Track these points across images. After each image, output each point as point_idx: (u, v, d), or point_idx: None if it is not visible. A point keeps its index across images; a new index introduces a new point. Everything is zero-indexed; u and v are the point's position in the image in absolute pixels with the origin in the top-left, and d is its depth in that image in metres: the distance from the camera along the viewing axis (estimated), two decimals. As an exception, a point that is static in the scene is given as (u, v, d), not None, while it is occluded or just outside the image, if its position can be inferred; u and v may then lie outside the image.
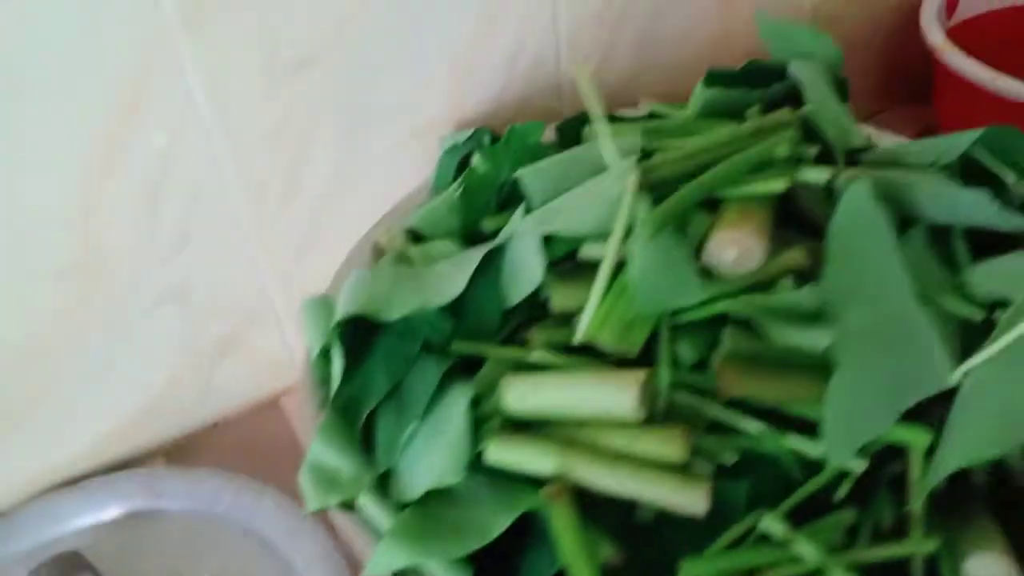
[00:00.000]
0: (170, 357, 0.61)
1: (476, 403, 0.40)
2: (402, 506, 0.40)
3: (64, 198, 0.51)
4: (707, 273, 0.40)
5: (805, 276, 0.40)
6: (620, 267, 0.40)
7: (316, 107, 0.57)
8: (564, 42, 0.65)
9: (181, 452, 0.65)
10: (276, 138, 0.56)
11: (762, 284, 0.39)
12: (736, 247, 0.38)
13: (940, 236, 0.46)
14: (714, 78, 0.53)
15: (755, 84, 0.54)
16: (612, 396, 0.37)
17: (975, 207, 0.44)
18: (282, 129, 0.56)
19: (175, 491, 0.60)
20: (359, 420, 0.43)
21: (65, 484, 0.60)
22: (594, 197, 0.42)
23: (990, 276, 0.42)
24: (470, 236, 0.50)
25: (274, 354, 0.66)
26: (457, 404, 0.39)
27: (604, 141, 0.41)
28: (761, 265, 0.39)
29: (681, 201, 0.38)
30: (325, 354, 0.45)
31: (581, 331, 0.40)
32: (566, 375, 0.39)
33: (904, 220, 0.46)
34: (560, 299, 0.42)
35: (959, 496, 0.39)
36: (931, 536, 0.37)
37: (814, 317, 0.38)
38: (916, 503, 0.38)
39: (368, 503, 0.40)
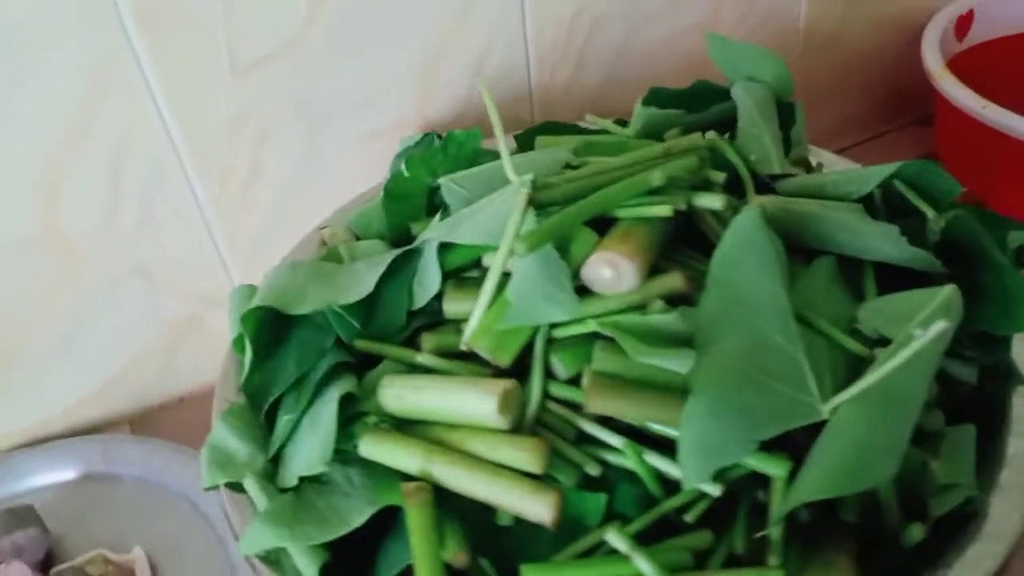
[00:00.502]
0: (135, 332, 0.65)
1: (355, 400, 0.42)
2: (283, 491, 0.42)
3: (27, 175, 0.55)
4: (586, 291, 0.41)
5: (685, 300, 0.41)
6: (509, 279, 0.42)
7: (276, 102, 0.59)
8: (534, 51, 0.66)
9: (146, 422, 0.68)
10: (236, 130, 0.59)
11: (637, 305, 0.40)
12: (611, 267, 0.39)
13: (857, 269, 0.46)
14: (654, 97, 0.54)
15: (699, 105, 0.54)
16: (475, 403, 0.38)
17: (883, 243, 0.44)
18: (242, 122, 0.59)
19: (130, 458, 0.63)
20: (264, 406, 0.46)
21: (33, 444, 0.65)
22: (492, 210, 0.43)
23: (877, 314, 0.42)
24: (400, 238, 0.52)
25: (238, 337, 0.69)
26: (331, 401, 0.41)
27: (504, 157, 0.42)
28: (637, 287, 0.40)
29: (563, 220, 0.40)
30: (241, 343, 0.48)
31: (465, 338, 0.41)
32: (440, 379, 0.40)
33: (816, 251, 0.46)
34: (451, 306, 0.44)
35: (825, 532, 0.40)
36: (780, 568, 0.37)
37: (685, 341, 0.39)
38: (772, 531, 0.38)
39: (252, 485, 0.42)
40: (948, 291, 0.40)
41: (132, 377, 0.67)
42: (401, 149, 0.59)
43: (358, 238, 0.55)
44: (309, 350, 0.47)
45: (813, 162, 0.57)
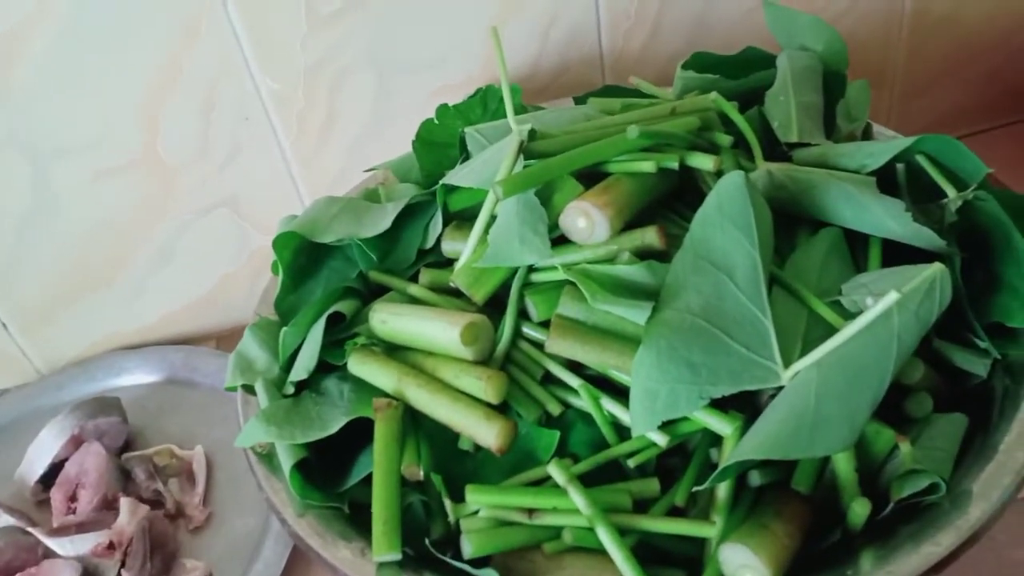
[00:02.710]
0: (224, 257, 0.72)
1: (344, 319, 0.45)
2: (287, 397, 0.46)
3: (131, 108, 0.62)
4: (567, 241, 0.42)
5: (663, 258, 0.41)
6: (501, 223, 0.44)
7: (351, 53, 0.64)
8: (605, 16, 0.67)
9: (229, 340, 0.75)
10: (313, 77, 0.64)
11: (609, 256, 0.41)
12: (585, 217, 0.41)
13: (863, 241, 0.45)
14: (696, 61, 0.54)
15: (743, 71, 0.54)
16: (442, 331, 0.41)
17: (884, 217, 0.42)
18: (319, 71, 0.64)
19: (208, 368, 0.71)
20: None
21: (130, 348, 0.74)
22: (490, 157, 0.45)
23: (861, 287, 0.41)
24: (433, 184, 0.55)
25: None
26: (321, 320, 0.45)
27: (507, 103, 0.44)
28: (608, 238, 0.41)
29: (544, 168, 0.41)
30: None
31: (453, 275, 0.44)
32: (418, 308, 0.43)
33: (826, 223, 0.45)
34: (448, 245, 0.47)
35: (776, 501, 0.39)
36: (712, 523, 0.38)
37: (651, 295, 0.40)
38: (719, 489, 0.39)
39: (260, 388, 0.47)
40: (935, 268, 0.39)
41: (220, 297, 0.74)
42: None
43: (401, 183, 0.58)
44: (337, 279, 0.51)
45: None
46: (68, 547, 0.57)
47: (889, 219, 0.42)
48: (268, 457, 0.45)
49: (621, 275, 0.40)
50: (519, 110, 0.56)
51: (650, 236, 0.41)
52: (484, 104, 0.55)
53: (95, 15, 0.58)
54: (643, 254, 0.41)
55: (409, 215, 0.50)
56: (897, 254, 0.44)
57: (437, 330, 0.41)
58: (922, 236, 0.42)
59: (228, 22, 0.60)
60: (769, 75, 0.53)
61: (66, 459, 0.63)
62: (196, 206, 0.69)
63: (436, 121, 0.54)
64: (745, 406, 0.40)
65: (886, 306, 0.34)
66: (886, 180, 0.45)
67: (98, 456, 0.62)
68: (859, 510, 0.37)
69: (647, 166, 0.41)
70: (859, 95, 0.55)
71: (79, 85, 0.61)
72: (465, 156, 0.51)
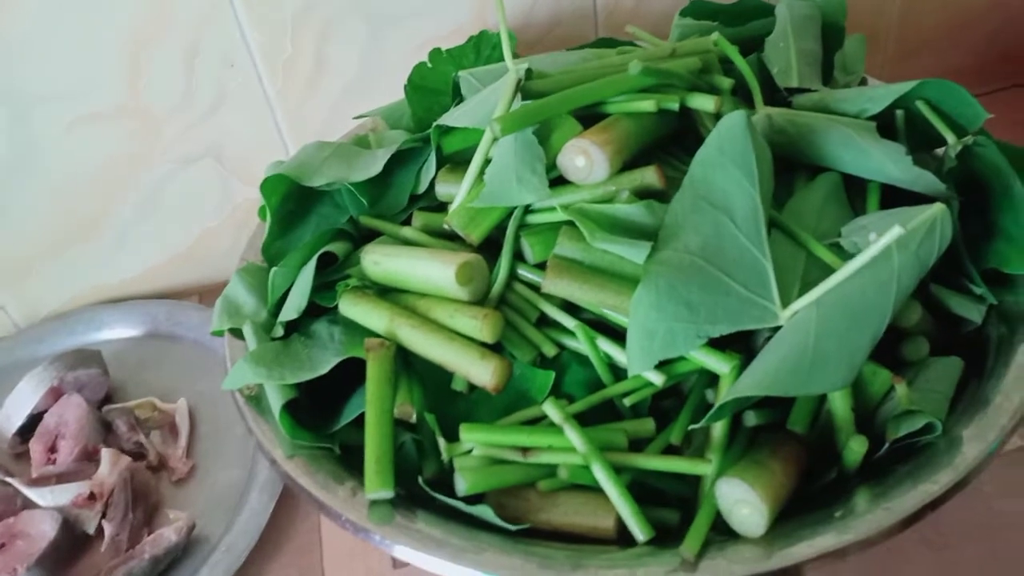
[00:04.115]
0: (208, 210, 0.71)
1: (338, 263, 0.45)
2: (275, 340, 0.46)
3: (114, 51, 0.61)
4: (564, 182, 0.42)
5: (662, 198, 0.41)
6: (496, 163, 0.43)
7: (339, 2, 0.62)
8: (599, -33, 0.66)
9: (212, 294, 0.73)
10: (300, 24, 0.62)
11: (607, 196, 0.40)
12: (583, 156, 0.40)
13: (861, 188, 0.45)
14: (694, 8, 0.53)
15: (740, 20, 0.53)
16: (436, 271, 0.41)
17: (885, 162, 0.42)
18: (306, 17, 0.62)
19: (191, 322, 0.70)
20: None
21: (112, 302, 0.72)
22: (486, 97, 0.44)
23: (861, 229, 0.40)
24: (424, 130, 0.54)
25: (301, 226, 0.74)
26: (312, 261, 0.44)
27: (504, 43, 0.43)
28: (609, 177, 0.40)
29: (542, 106, 0.40)
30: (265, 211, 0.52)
31: (448, 217, 0.43)
32: (411, 249, 0.43)
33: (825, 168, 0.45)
34: (442, 187, 0.46)
35: (772, 442, 0.39)
36: (708, 461, 0.38)
37: (649, 235, 0.39)
38: (702, 424, 0.38)
39: (248, 331, 0.46)
40: (935, 208, 0.38)
41: (203, 251, 0.73)
42: (450, 52, 0.61)
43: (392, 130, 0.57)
44: (326, 224, 0.50)
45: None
46: (48, 497, 0.56)
47: (890, 163, 0.42)
48: (256, 399, 0.44)
49: (620, 215, 0.39)
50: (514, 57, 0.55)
51: (649, 176, 0.40)
52: (477, 50, 0.54)
53: (77, -46, 0.57)
54: (642, 194, 0.41)
55: (400, 160, 0.49)
56: (894, 203, 0.44)
57: (432, 270, 0.41)
58: (922, 180, 0.41)
59: (214, -35, 0.59)
60: (767, 24, 0.52)
61: (45, 411, 0.61)
62: (180, 155, 0.67)
63: (429, 65, 0.53)
64: (741, 347, 0.40)
65: (889, 241, 0.34)
66: (885, 127, 0.44)
67: (78, 407, 0.60)
68: (856, 448, 0.37)
69: (647, 105, 0.41)
70: (856, 49, 0.55)
71: (61, 30, 0.59)
72: (459, 100, 0.51)
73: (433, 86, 0.53)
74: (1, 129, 0.62)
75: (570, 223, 0.41)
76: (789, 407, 0.39)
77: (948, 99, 0.44)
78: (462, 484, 0.38)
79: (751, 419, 0.39)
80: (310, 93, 0.66)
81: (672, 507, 0.39)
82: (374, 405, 0.39)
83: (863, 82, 0.55)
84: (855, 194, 0.44)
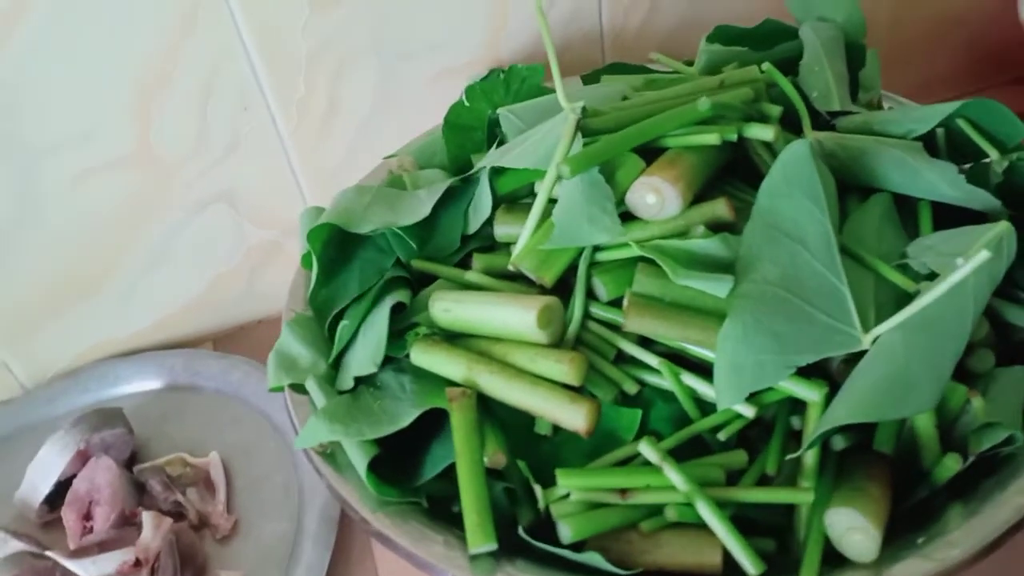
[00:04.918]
0: (221, 255, 0.69)
1: (405, 309, 0.44)
2: (341, 394, 0.45)
3: (124, 98, 0.59)
4: (631, 217, 0.42)
5: (730, 230, 0.41)
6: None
7: (353, 40, 0.62)
8: (606, -7, 0.67)
9: (227, 341, 0.73)
10: (314, 64, 0.62)
11: (680, 231, 0.41)
12: (654, 192, 0.40)
13: (914, 211, 0.46)
14: (720, 34, 0.54)
15: (765, 44, 0.54)
16: (516, 316, 0.40)
17: (938, 181, 0.43)
18: (320, 58, 0.61)
19: (210, 371, 0.68)
20: (328, 318, 0.49)
21: (124, 355, 0.70)
22: (542, 136, 0.44)
23: (927, 249, 0.41)
24: (460, 168, 0.54)
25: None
26: (383, 310, 0.43)
27: (556, 82, 0.43)
28: (680, 212, 0.41)
29: (609, 145, 0.41)
30: (309, 259, 0.51)
31: (512, 258, 0.43)
32: (484, 294, 0.42)
33: (873, 190, 0.46)
34: (501, 229, 0.46)
35: (859, 463, 0.40)
36: (815, 485, 0.38)
37: (725, 268, 0.40)
38: (802, 452, 0.39)
39: (313, 386, 0.45)
40: (1001, 226, 0.39)
41: (216, 297, 0.71)
42: (468, 86, 0.61)
43: (423, 168, 0.57)
44: (371, 269, 0.50)
45: (886, 108, 0.56)
46: (91, 568, 0.53)
47: (942, 182, 0.43)
48: (331, 456, 0.43)
49: (696, 249, 0.40)
50: (539, 91, 0.55)
51: (720, 208, 0.41)
52: (507, 85, 0.54)
53: None
54: (713, 227, 0.41)
55: (443, 201, 0.49)
56: (938, 219, 0.45)
57: (510, 315, 0.40)
58: (976, 197, 0.43)
59: (227, 7, 0.57)
60: (793, 47, 0.53)
61: (71, 477, 0.59)
62: (191, 202, 0.65)
63: (466, 103, 0.53)
64: (817, 374, 0.40)
65: (977, 264, 0.35)
66: (927, 146, 0.46)
67: (109, 470, 0.58)
68: (951, 464, 0.38)
69: (711, 138, 0.41)
70: (871, 65, 0.56)
71: (67, 75, 0.57)
72: (498, 137, 0.50)
73: (467, 123, 0.53)
74: (3, 182, 0.60)
75: (644, 260, 0.41)
76: (871, 429, 0.40)
77: (988, 116, 0.45)
78: (567, 531, 0.37)
79: (839, 443, 0.40)
80: (325, 133, 0.65)
81: (765, 536, 0.39)
82: (465, 456, 0.39)
83: (880, 98, 0.56)
84: (907, 215, 0.45)
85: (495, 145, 0.50)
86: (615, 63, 0.62)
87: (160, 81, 0.59)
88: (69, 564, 0.53)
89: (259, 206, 0.67)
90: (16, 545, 0.56)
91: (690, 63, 0.57)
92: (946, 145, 0.47)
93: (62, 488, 0.59)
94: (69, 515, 0.57)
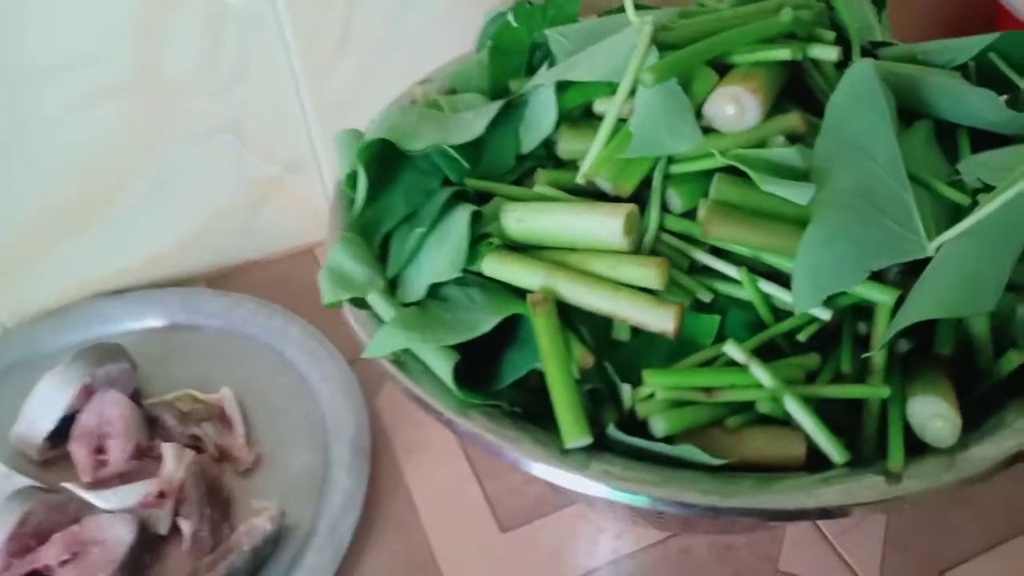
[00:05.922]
0: (220, 190, 0.67)
1: (477, 222, 0.44)
2: (406, 306, 0.44)
3: (129, 19, 0.56)
4: (706, 127, 0.43)
5: (801, 141, 0.43)
6: (625, 121, 0.44)
7: (372, -34, 0.60)
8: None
9: (221, 280, 0.70)
10: (332, -10, 0.60)
11: (757, 142, 0.42)
12: (734, 103, 0.41)
13: (949, 135, 0.48)
14: (752, -30, 0.55)
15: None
16: (600, 223, 0.41)
17: (981, 106, 0.46)
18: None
19: (212, 310, 0.65)
20: (377, 238, 0.48)
21: (114, 293, 0.66)
22: (611, 50, 0.45)
23: (979, 166, 0.44)
24: (499, 94, 0.53)
25: (313, 204, 0.71)
26: (461, 217, 0.43)
27: (627, 2, 0.44)
28: (758, 123, 0.42)
29: (688, 56, 0.41)
30: (352, 180, 0.49)
31: (583, 170, 0.43)
32: (561, 204, 0.42)
33: (913, 115, 0.48)
34: (567, 145, 0.46)
35: (921, 364, 0.42)
36: (884, 383, 0.40)
37: (802, 176, 0.41)
38: (876, 352, 0.40)
39: (377, 300, 0.44)
40: (1048, 145, 0.42)
41: (215, 233, 0.68)
42: (491, 16, 0.61)
43: (454, 93, 0.56)
44: (416, 191, 0.49)
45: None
46: (112, 499, 0.51)
47: (986, 109, 0.46)
48: (403, 365, 0.42)
49: (776, 159, 0.41)
50: (573, 20, 0.55)
51: (793, 120, 0.42)
52: (544, 12, 0.54)
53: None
54: (789, 139, 0.42)
55: (495, 121, 0.49)
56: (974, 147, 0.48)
57: (592, 223, 0.41)
58: (1016, 122, 0.45)
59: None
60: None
61: (74, 413, 0.56)
62: (196, 131, 0.63)
63: (514, 24, 0.52)
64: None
65: (1044, 174, 0.37)
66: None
67: (119, 403, 0.56)
68: (1013, 357, 0.40)
69: (783, 53, 0.42)
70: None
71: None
72: (547, 59, 0.50)
73: (510, 47, 0.53)
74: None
75: (722, 169, 0.42)
76: (930, 335, 0.42)
77: (1018, 48, 0.48)
78: (660, 425, 0.38)
79: (903, 346, 0.42)
80: (335, 63, 0.63)
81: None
82: (552, 358, 0.39)
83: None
84: (943, 140, 0.48)
85: (546, 66, 0.49)
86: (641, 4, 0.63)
87: (168, 6, 0.56)
88: (89, 496, 0.51)
89: (264, 139, 0.65)
90: (20, 480, 0.53)
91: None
92: (977, 77, 0.50)
93: (63, 425, 0.56)
94: (79, 449, 0.54)
